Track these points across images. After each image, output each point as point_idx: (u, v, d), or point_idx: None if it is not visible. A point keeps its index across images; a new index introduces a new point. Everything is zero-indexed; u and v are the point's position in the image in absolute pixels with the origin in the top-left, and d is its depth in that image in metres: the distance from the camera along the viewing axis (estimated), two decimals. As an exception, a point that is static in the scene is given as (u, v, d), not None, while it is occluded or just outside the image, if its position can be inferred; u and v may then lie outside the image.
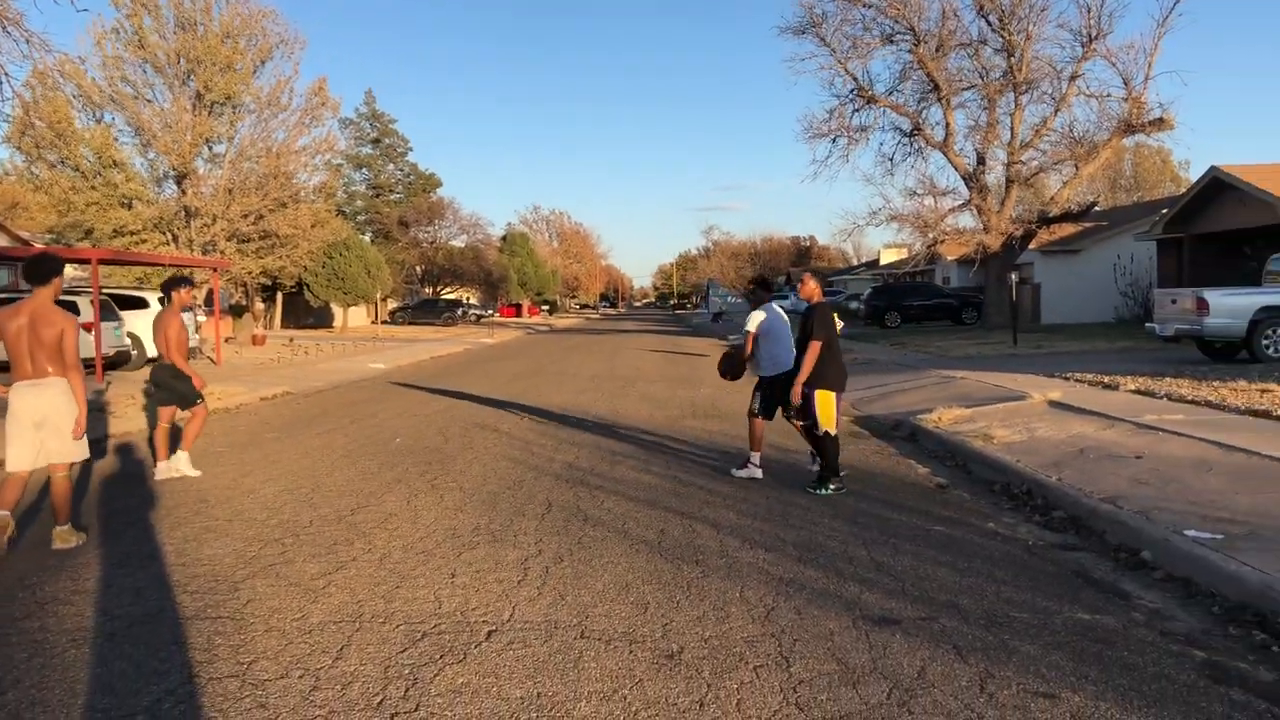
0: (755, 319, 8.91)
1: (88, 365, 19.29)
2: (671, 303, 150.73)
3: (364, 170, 69.83)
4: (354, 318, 54.50)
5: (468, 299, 77.86)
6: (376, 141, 70.31)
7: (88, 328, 19.43)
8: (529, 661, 4.44)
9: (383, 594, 5.47)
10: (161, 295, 10.05)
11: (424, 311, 61.70)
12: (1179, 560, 5.75)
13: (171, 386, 9.35)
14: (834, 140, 34.44)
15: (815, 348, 8.09)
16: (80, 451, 6.83)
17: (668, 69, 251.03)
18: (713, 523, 7.10)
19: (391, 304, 64.40)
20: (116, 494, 8.49)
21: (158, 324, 9.23)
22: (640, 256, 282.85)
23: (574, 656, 4.50)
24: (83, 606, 5.27)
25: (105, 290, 22.37)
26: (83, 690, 4.14)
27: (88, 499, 8.23)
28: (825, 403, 8.18)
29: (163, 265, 28.19)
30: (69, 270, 34.21)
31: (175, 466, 9.18)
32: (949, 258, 43.55)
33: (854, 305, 46.36)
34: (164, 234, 32.52)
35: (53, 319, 6.59)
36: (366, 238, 60.19)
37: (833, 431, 8.21)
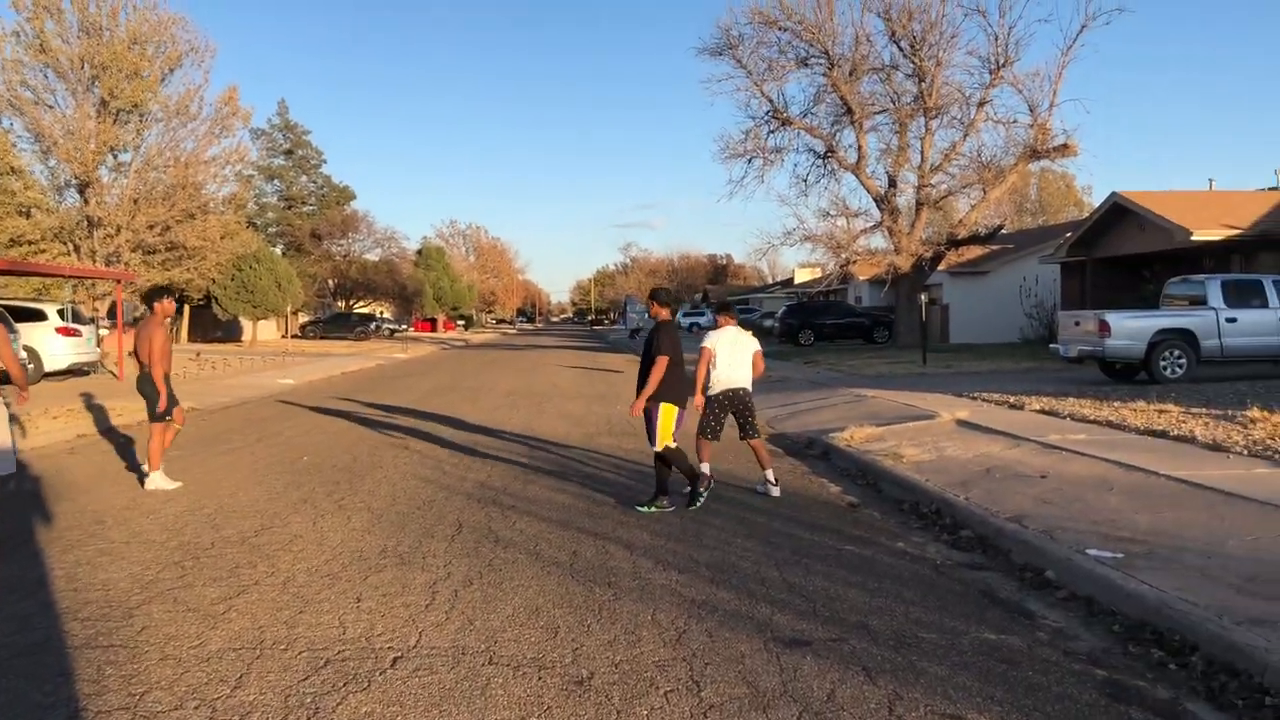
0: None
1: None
2: (589, 318, 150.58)
3: (276, 182, 68.47)
4: (264, 331, 53.35)
5: (381, 313, 76.86)
6: (289, 153, 69.02)
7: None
8: (435, 689, 4.34)
9: (285, 619, 5.31)
10: (141, 307, 10.15)
11: (336, 325, 60.74)
12: (1081, 579, 5.87)
13: (149, 397, 9.45)
14: (750, 161, 34.87)
15: (663, 363, 8.13)
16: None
17: (586, 84, 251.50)
18: (626, 543, 7.06)
19: (303, 318, 63.31)
20: (5, 515, 8.13)
21: (140, 334, 9.40)
22: (558, 272, 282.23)
23: (481, 683, 4.41)
24: (-36, 637, 5.03)
25: (2, 302, 21.53)
26: (-40, 726, 3.93)
27: (-26, 521, 7.87)
28: (668, 417, 8.28)
29: (63, 276, 27.31)
30: (-38, 280, 32.94)
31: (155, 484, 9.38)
32: (861, 278, 44.34)
33: (769, 323, 46.86)
34: (65, 244, 31.46)
35: None
36: (278, 250, 59.10)
37: (672, 445, 8.27)
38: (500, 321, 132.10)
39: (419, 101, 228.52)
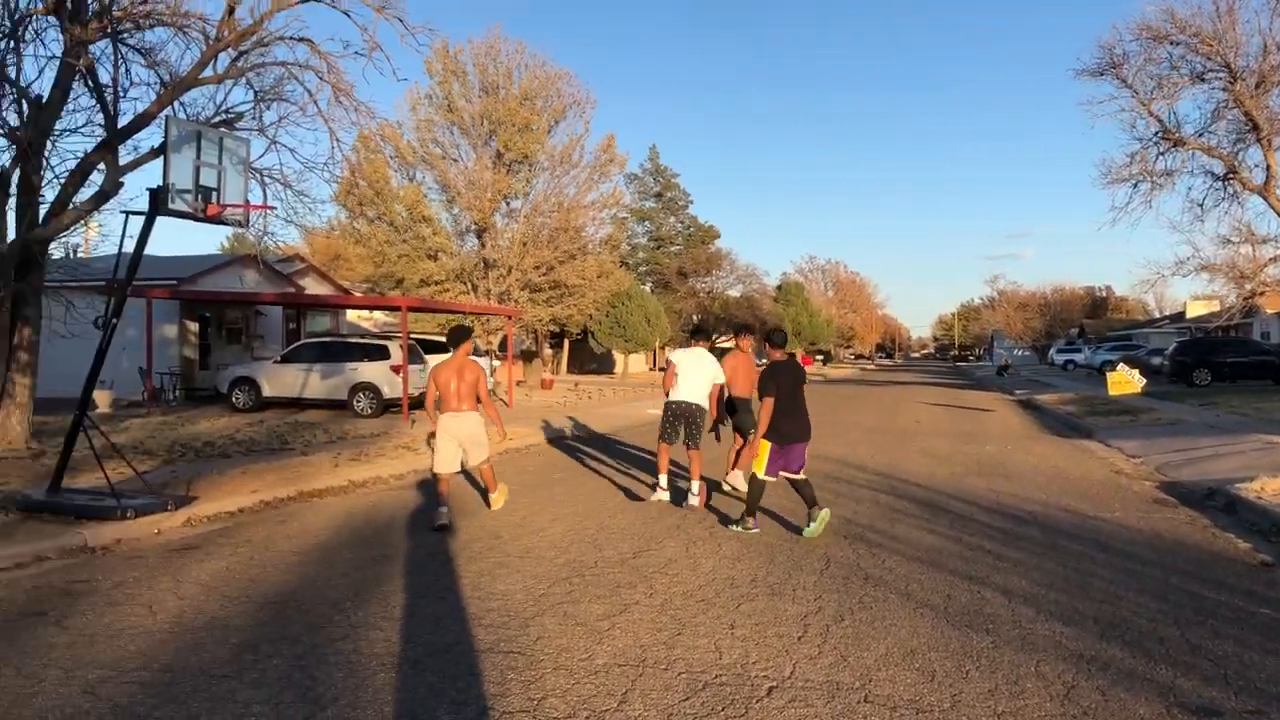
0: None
1: (394, 405, 20.92)
2: (952, 354, 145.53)
3: (646, 223, 72.06)
4: (634, 364, 56.17)
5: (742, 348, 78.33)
6: (659, 195, 72.46)
7: (396, 370, 21.07)
8: (811, 722, 4.35)
9: (664, 640, 5.53)
10: (729, 342, 11.52)
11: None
12: None
13: (748, 425, 11.07)
14: (1135, 185, 32.22)
15: (769, 404, 8.83)
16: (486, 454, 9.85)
17: (953, 110, 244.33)
18: (1003, 589, 6.73)
19: (669, 351, 65.88)
20: (418, 527, 9.07)
21: (733, 365, 11.45)
22: (919, 306, 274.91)
23: (858, 721, 4.37)
24: (390, 632, 5.65)
25: (413, 336, 24.13)
26: (390, 713, 4.42)
27: (396, 533, 8.84)
28: (763, 451, 8.89)
29: (463, 312, 30.17)
30: (380, 316, 37.33)
31: (732, 483, 11.16)
32: (1269, 310, 39.70)
33: (1157, 361, 43.03)
34: (464, 284, 34.83)
35: (472, 369, 9.45)
36: (647, 288, 62.05)
37: (759, 476, 8.89)
38: (859, 357, 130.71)
39: (779, 140, 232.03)
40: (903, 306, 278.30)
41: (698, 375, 10.68)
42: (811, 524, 8.61)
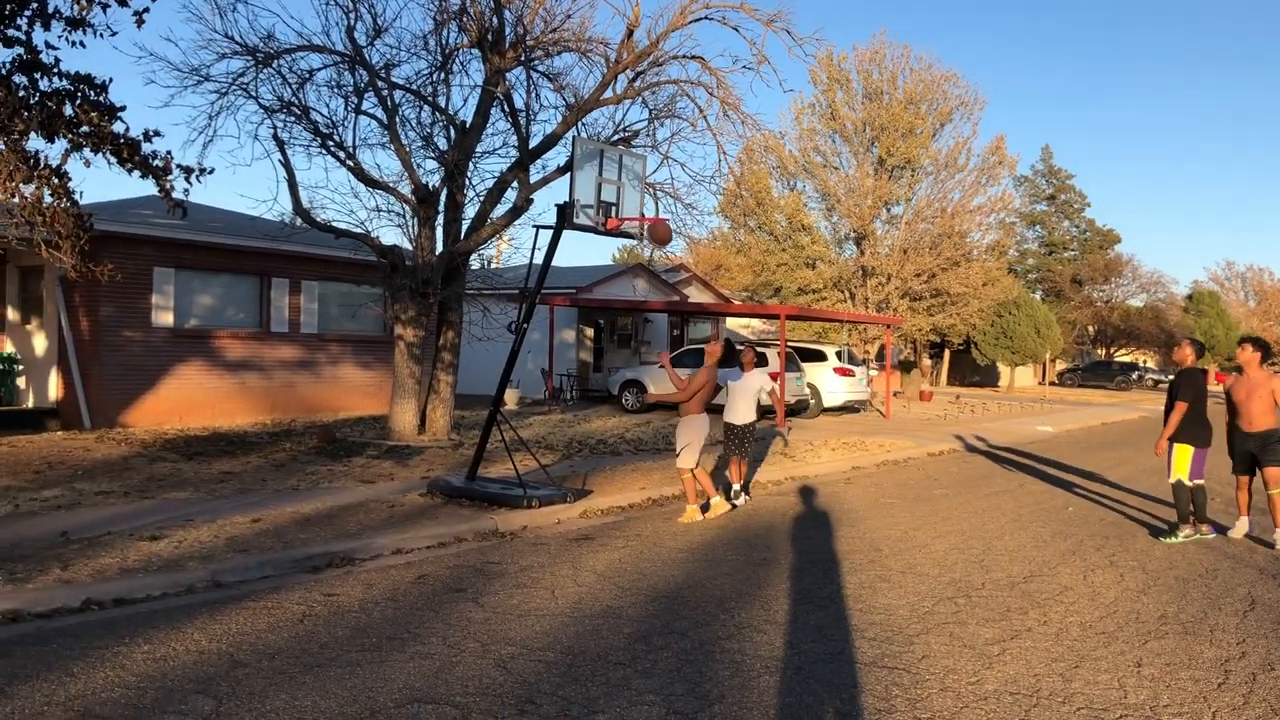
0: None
1: (769, 411, 21.25)
2: None
3: (1037, 227, 68.19)
4: (1020, 377, 53.37)
5: (1144, 362, 72.21)
6: (1051, 198, 68.31)
7: (774, 376, 21.37)
8: (1237, 781, 3.90)
9: (1060, 671, 5.18)
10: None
11: (1095, 374, 58.46)
12: None
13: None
14: None
15: (1181, 408, 9.14)
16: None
17: None
18: None
19: (1060, 365, 62.03)
20: (798, 533, 9.13)
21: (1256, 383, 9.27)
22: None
23: (1295, 787, 3.86)
24: (773, 636, 5.72)
25: (790, 344, 24.38)
26: (776, 716, 4.46)
27: (776, 537, 8.96)
28: (1182, 455, 9.16)
29: (840, 321, 30.09)
30: (757, 324, 38.06)
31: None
32: None
33: None
34: (841, 292, 34.78)
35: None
36: (1037, 296, 58.74)
37: (1185, 481, 9.10)
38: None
39: (1187, 138, 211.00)
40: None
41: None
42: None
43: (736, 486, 10.90)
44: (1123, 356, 67.49)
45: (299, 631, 5.63)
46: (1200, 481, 9.18)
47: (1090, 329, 64.97)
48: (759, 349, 22.88)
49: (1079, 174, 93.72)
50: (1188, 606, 6.67)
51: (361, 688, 4.71)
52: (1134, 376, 58.94)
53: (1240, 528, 9.27)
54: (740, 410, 10.82)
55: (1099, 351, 67.35)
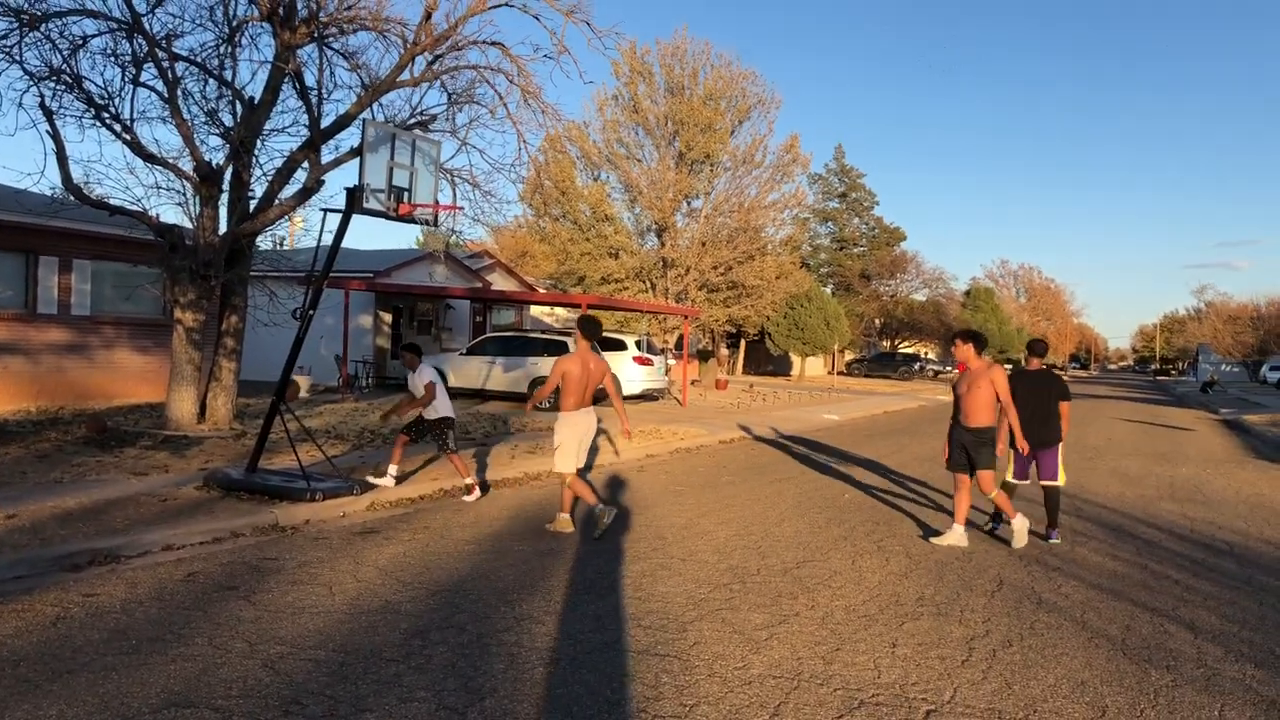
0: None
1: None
2: (1152, 368, 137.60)
3: (829, 224, 71.13)
4: (811, 367, 55.56)
5: (925, 354, 76.47)
6: (843, 196, 71.38)
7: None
8: (970, 751, 4.20)
9: (822, 654, 5.45)
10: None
11: (880, 364, 61.53)
12: None
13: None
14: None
15: (1066, 408, 9.33)
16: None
17: (1161, 112, 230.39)
18: (1189, 624, 6.33)
19: (848, 355, 64.90)
20: (588, 523, 9.21)
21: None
22: (1118, 317, 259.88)
23: (1020, 754, 4.19)
24: (551, 627, 5.77)
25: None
26: (546, 708, 4.51)
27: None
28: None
29: (641, 310, 30.52)
30: (561, 312, 38.17)
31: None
32: None
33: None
34: (643, 282, 35.27)
35: (599, 363, 8.73)
36: (828, 290, 61.26)
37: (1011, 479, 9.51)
38: (1051, 367, 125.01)
39: (970, 141, 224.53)
40: (1101, 316, 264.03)
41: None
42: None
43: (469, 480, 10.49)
44: (906, 348, 71.26)
45: (51, 635, 5.30)
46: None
47: (877, 321, 68.32)
48: (560, 338, 23.00)
49: (869, 173, 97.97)
50: (943, 589, 7.12)
51: (114, 694, 4.47)
52: (916, 367, 62.30)
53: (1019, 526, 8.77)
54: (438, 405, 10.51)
55: (884, 343, 70.91)
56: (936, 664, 5.36)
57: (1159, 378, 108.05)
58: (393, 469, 10.43)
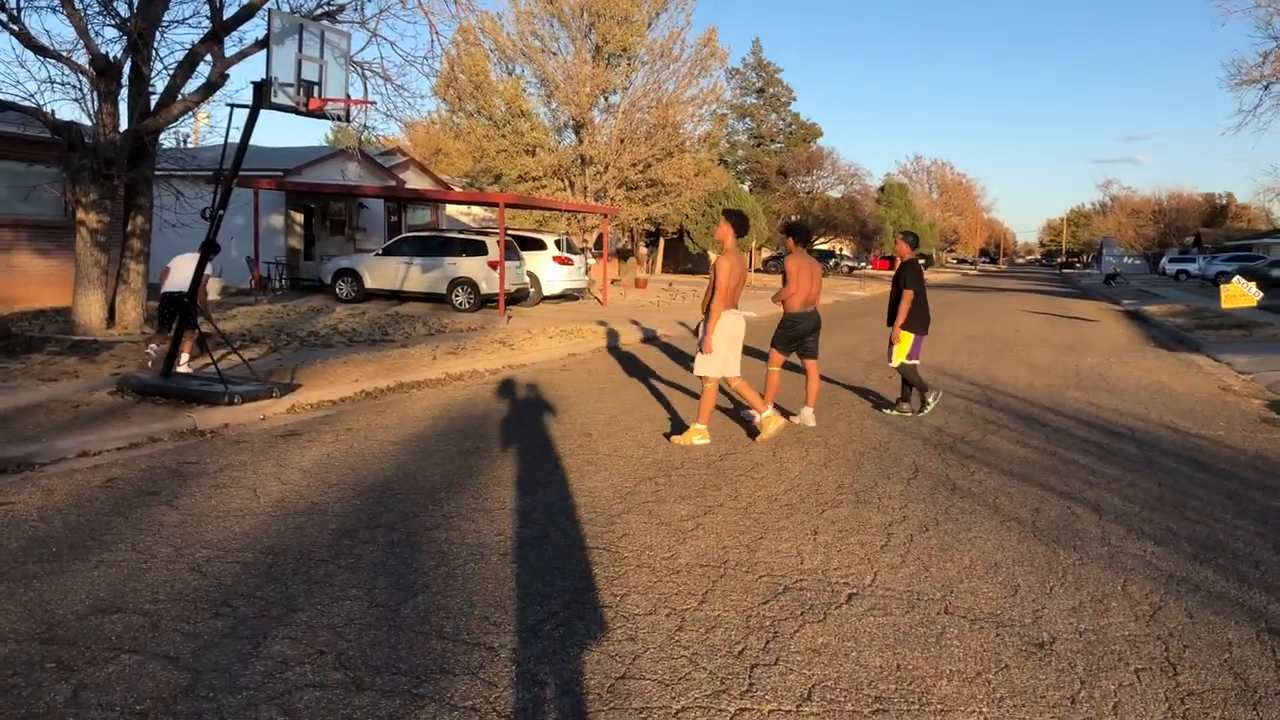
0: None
1: (490, 300, 21.18)
2: (1059, 261, 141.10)
3: (747, 120, 70.71)
4: (729, 265, 55.72)
5: (841, 250, 77.32)
6: (761, 91, 70.86)
7: (494, 266, 21.27)
8: (889, 631, 4.38)
9: (747, 543, 5.60)
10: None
11: (797, 261, 61.96)
12: None
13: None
14: (1266, 87, 30.49)
15: (909, 296, 10.04)
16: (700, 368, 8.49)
17: (1065, 9, 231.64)
18: (1094, 506, 6.63)
19: (765, 253, 65.27)
20: (512, 421, 9.26)
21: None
22: (1027, 211, 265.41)
23: (936, 631, 4.39)
24: (481, 524, 5.82)
25: (510, 232, 24.27)
26: (478, 602, 4.58)
27: (490, 426, 9.04)
28: (905, 340, 10.16)
29: (560, 210, 30.22)
30: (479, 211, 37.54)
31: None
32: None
33: (1277, 273, 41.11)
34: (561, 180, 34.83)
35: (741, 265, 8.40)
36: (745, 187, 61.22)
37: (908, 363, 10.18)
38: (961, 261, 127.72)
39: (886, 35, 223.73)
40: (1010, 210, 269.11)
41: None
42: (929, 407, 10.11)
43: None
44: (822, 245, 71.78)
45: (-35, 547, 5.19)
46: (916, 362, 10.29)
47: (794, 218, 68.57)
48: (478, 238, 22.68)
49: (786, 68, 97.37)
50: (861, 477, 7.34)
51: (38, 601, 4.42)
52: (831, 264, 63.04)
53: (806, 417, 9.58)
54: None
55: (801, 240, 71.22)
56: (857, 549, 5.54)
57: (1065, 271, 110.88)
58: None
